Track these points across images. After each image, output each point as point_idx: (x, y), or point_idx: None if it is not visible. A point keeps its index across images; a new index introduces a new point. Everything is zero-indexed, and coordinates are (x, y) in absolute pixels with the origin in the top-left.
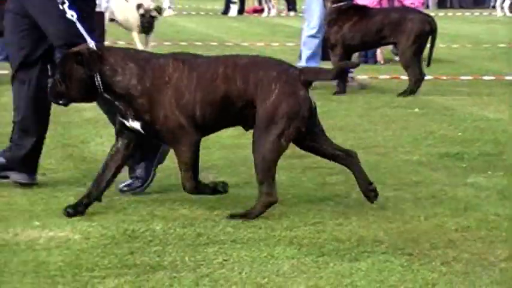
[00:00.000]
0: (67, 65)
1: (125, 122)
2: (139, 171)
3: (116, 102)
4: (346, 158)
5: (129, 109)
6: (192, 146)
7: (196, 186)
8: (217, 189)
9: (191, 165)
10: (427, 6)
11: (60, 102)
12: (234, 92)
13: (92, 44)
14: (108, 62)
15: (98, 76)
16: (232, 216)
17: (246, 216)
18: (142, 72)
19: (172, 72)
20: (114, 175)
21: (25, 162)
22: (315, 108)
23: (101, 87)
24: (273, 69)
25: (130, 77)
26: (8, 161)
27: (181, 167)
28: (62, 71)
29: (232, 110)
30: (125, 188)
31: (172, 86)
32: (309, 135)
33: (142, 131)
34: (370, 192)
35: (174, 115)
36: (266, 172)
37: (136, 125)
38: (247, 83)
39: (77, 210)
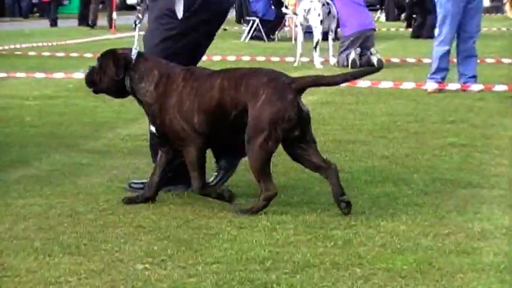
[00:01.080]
0: (105, 60)
1: (151, 128)
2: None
3: (145, 110)
4: (327, 170)
5: (148, 115)
6: (197, 147)
7: (203, 187)
8: (223, 195)
9: (197, 166)
10: None
11: (91, 88)
12: (227, 101)
13: (134, 50)
14: (138, 68)
15: (128, 80)
16: (237, 212)
17: (250, 211)
18: (159, 80)
19: (181, 81)
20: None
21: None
22: (308, 115)
23: (130, 91)
24: (263, 76)
25: (150, 84)
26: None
27: (189, 167)
28: (100, 63)
29: (227, 118)
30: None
31: (178, 93)
32: (302, 143)
33: (158, 135)
34: (341, 203)
35: (176, 119)
36: (260, 171)
37: (153, 129)
38: (240, 91)
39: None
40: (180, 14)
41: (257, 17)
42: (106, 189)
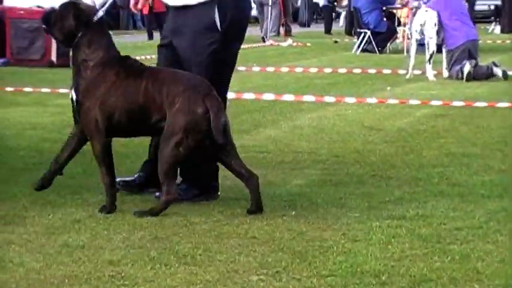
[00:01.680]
0: (67, 8)
1: (72, 93)
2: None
3: (73, 70)
4: (248, 179)
5: (74, 80)
6: (102, 142)
7: (112, 183)
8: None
9: (102, 161)
10: None
11: (44, 26)
12: (150, 105)
13: (101, 13)
14: (91, 35)
15: (78, 37)
16: (137, 214)
17: (150, 213)
18: (98, 63)
19: (113, 75)
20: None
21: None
22: (226, 125)
23: (74, 46)
24: (181, 84)
25: (91, 60)
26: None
27: (96, 160)
28: (61, 9)
29: (148, 122)
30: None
31: (106, 87)
32: (221, 150)
33: (76, 106)
34: (253, 214)
35: (95, 110)
36: (166, 174)
37: (74, 97)
38: (161, 96)
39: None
40: (219, 26)
41: (369, 29)
42: (220, 200)
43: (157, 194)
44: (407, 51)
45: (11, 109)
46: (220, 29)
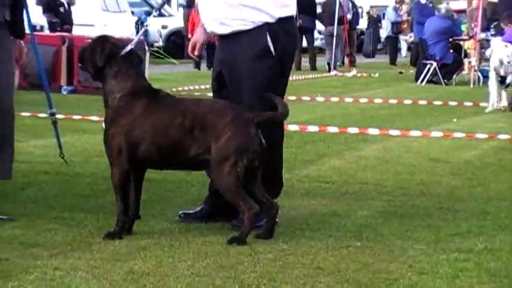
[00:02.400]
0: (97, 43)
1: (102, 124)
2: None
3: (103, 101)
4: (268, 208)
5: (105, 113)
6: (122, 171)
7: (124, 211)
8: (128, 227)
9: (118, 188)
10: None
11: (80, 64)
12: (186, 140)
13: (130, 46)
14: (118, 67)
15: (107, 69)
16: (229, 242)
17: (241, 237)
18: (127, 94)
19: (141, 107)
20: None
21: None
22: (265, 149)
23: (103, 79)
24: (226, 115)
25: (118, 91)
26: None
27: (113, 188)
28: (92, 44)
29: (182, 154)
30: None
31: (133, 117)
32: (252, 176)
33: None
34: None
35: (119, 138)
36: (235, 197)
37: (103, 126)
38: (205, 132)
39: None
40: (273, 51)
41: (435, 60)
42: (285, 230)
43: (233, 222)
44: (473, 83)
45: (78, 136)
46: (274, 54)
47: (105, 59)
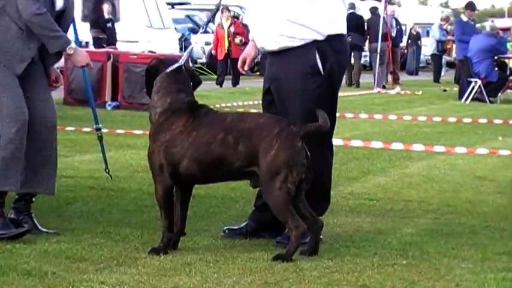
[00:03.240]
0: (153, 67)
1: None
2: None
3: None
4: (312, 223)
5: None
6: (165, 187)
7: (169, 227)
8: (174, 244)
9: (162, 204)
10: None
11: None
12: (230, 155)
13: (177, 65)
14: (160, 82)
15: (153, 86)
16: (275, 259)
17: (288, 255)
18: (166, 110)
19: (181, 124)
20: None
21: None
22: (309, 161)
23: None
24: (274, 128)
25: (158, 106)
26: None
27: (158, 204)
28: (150, 67)
29: (227, 169)
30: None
31: (172, 134)
32: (299, 189)
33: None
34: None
35: (159, 154)
36: (284, 213)
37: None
38: (250, 145)
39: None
40: (322, 70)
41: (479, 78)
42: (329, 247)
43: (278, 239)
44: None
45: (123, 151)
46: (323, 73)
47: (147, 74)
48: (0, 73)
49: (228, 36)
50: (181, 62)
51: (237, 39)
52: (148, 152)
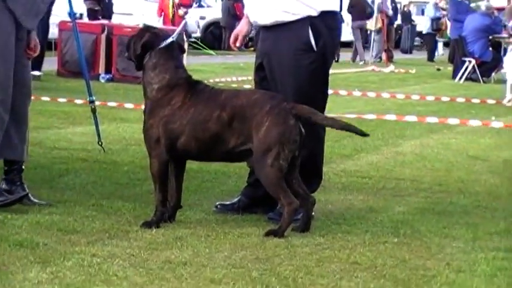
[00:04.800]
0: (140, 33)
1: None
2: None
3: (143, 91)
4: (304, 199)
5: (144, 104)
6: (161, 161)
7: (163, 201)
8: (170, 217)
9: (157, 178)
10: None
11: (126, 54)
12: (225, 133)
13: (170, 39)
14: (156, 58)
15: (146, 59)
16: (267, 234)
17: (280, 231)
18: (165, 86)
19: (180, 99)
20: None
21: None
22: (304, 138)
23: (142, 70)
24: (265, 105)
25: (156, 82)
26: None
27: (152, 178)
28: (137, 33)
29: (222, 146)
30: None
31: (171, 109)
32: (291, 166)
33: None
34: (297, 231)
35: (157, 128)
36: (276, 189)
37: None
38: (241, 122)
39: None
40: (314, 46)
41: (473, 58)
42: (321, 224)
43: (270, 215)
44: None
45: (116, 124)
46: (316, 49)
47: (142, 48)
48: (3, 40)
49: (173, 7)
50: (174, 36)
51: (181, 11)
52: (144, 127)
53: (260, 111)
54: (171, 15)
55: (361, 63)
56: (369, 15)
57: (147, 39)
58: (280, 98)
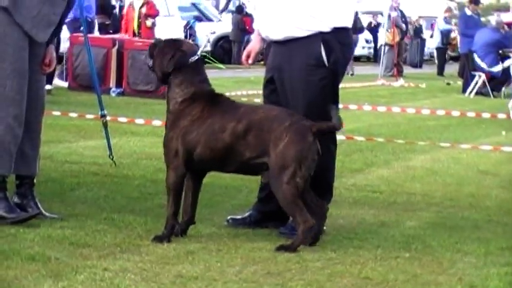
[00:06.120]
0: (169, 46)
1: None
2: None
3: (166, 106)
4: (316, 211)
5: (166, 116)
6: (178, 174)
7: (174, 215)
8: (182, 232)
9: (173, 191)
10: None
11: (149, 62)
12: (239, 145)
13: (196, 57)
14: (183, 74)
15: (172, 76)
16: (278, 249)
17: (292, 247)
18: (187, 98)
19: (199, 111)
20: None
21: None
22: (319, 155)
23: (168, 85)
24: (285, 121)
25: (180, 96)
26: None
27: (167, 190)
28: (163, 45)
29: (236, 158)
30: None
31: (190, 120)
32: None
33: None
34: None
35: (177, 140)
36: (292, 207)
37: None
38: (258, 137)
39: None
40: (326, 62)
41: (483, 72)
42: (333, 238)
43: (281, 229)
44: None
45: (127, 138)
46: (327, 65)
47: (173, 66)
48: (15, 55)
49: (139, 18)
50: (199, 53)
51: (148, 22)
52: (165, 139)
53: (279, 126)
54: (136, 28)
55: (350, 74)
56: (360, 30)
57: (178, 59)
58: (299, 115)
